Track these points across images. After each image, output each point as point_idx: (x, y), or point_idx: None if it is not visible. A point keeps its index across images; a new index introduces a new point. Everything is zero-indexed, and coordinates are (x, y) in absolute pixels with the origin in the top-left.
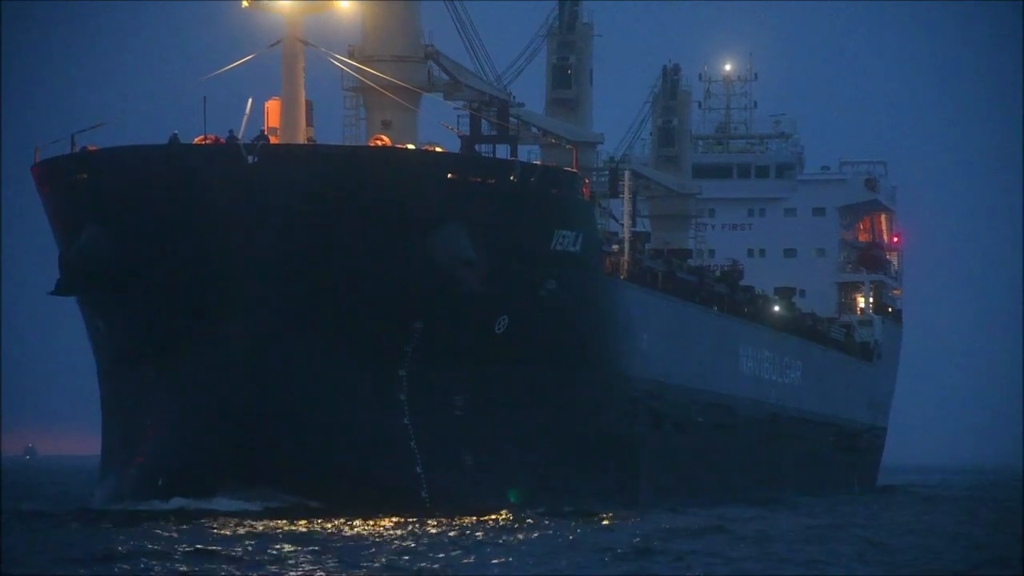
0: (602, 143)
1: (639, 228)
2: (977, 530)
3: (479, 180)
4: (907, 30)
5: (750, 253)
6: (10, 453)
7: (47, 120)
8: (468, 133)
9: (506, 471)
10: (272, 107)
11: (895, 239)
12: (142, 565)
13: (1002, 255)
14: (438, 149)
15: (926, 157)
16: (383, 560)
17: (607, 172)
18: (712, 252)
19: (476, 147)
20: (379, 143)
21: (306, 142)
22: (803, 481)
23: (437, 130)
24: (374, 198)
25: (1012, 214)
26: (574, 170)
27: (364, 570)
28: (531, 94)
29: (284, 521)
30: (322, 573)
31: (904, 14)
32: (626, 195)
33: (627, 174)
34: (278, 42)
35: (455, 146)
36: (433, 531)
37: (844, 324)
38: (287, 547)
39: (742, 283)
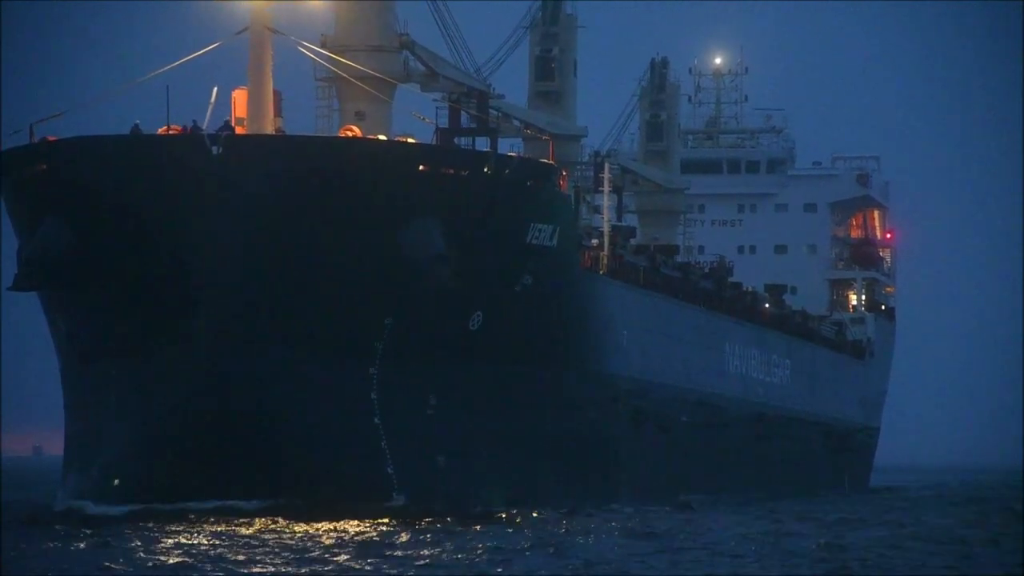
0: (586, 136)
1: (626, 224)
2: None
3: (452, 172)
4: (900, 24)
5: (740, 250)
6: (20, 453)
7: (7, 111)
8: (446, 125)
9: (480, 472)
10: (239, 97)
11: (888, 235)
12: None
13: (1000, 250)
14: (410, 140)
15: (920, 152)
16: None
17: (593, 166)
18: (701, 249)
19: (455, 140)
20: (349, 134)
21: (274, 133)
22: (792, 482)
23: (413, 122)
24: (343, 190)
25: (1011, 209)
26: (551, 162)
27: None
28: (513, 87)
29: (246, 523)
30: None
31: (897, 8)
32: (606, 188)
33: (607, 166)
34: (245, 29)
35: (432, 139)
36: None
37: (835, 322)
38: (251, 550)
39: (731, 280)
